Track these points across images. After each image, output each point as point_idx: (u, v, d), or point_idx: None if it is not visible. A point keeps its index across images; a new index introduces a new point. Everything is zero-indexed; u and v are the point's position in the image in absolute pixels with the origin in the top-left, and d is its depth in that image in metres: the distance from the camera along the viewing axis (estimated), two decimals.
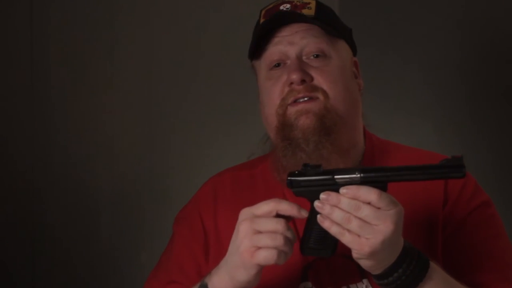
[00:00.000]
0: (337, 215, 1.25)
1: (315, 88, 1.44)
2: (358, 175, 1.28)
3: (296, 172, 1.32)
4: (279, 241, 1.28)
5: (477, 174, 1.54)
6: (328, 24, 1.48)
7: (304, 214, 1.30)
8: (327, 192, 1.27)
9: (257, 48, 1.49)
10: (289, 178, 1.32)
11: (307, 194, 1.31)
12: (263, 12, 1.52)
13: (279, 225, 1.28)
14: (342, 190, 1.26)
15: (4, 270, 2.29)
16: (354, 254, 1.27)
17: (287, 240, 1.29)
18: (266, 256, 1.28)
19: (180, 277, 1.52)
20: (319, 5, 1.50)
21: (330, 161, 1.43)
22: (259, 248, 1.28)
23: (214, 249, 1.52)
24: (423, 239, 1.46)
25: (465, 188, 1.49)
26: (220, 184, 1.57)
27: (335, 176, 1.29)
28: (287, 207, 1.29)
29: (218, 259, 1.47)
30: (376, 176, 1.29)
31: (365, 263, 1.28)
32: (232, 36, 2.28)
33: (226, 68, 2.36)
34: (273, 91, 1.46)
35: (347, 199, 1.26)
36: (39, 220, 2.33)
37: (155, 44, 2.40)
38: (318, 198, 1.28)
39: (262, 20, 1.50)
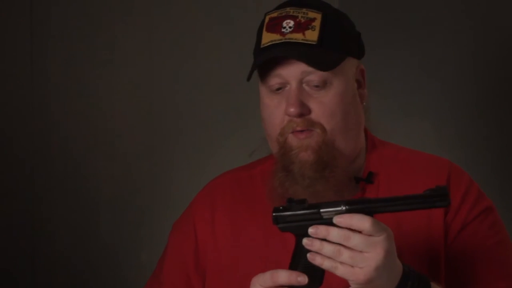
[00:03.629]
0: (327, 250, 1.27)
1: (313, 124, 1.45)
2: (343, 208, 1.29)
3: (281, 207, 1.33)
4: None
5: (477, 174, 1.55)
6: (333, 46, 1.47)
7: (303, 280, 1.31)
8: (315, 226, 1.29)
9: (258, 70, 1.50)
10: (274, 214, 1.33)
11: (293, 229, 1.32)
12: (267, 19, 1.50)
13: None
14: (336, 218, 1.28)
15: (4, 267, 2.30)
16: (352, 285, 1.28)
17: None
18: None
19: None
20: (324, 22, 1.47)
21: (324, 197, 1.44)
22: None
23: (212, 256, 1.54)
24: (425, 252, 1.47)
25: (467, 195, 1.50)
26: (218, 188, 1.59)
27: (321, 210, 1.30)
28: (285, 279, 1.31)
29: (217, 266, 1.53)
30: (361, 208, 1.30)
31: None
32: (237, 39, 2.29)
33: (230, 70, 2.35)
34: (274, 116, 1.48)
35: (337, 230, 1.27)
36: (39, 219, 2.35)
37: (156, 46, 2.40)
38: (304, 233, 1.30)
39: (264, 34, 1.48)
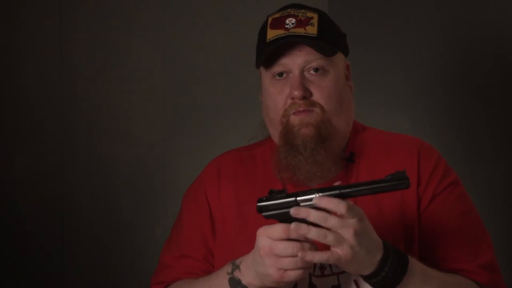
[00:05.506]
0: (313, 233, 1.32)
1: (314, 104, 1.53)
2: (317, 195, 1.35)
3: (264, 198, 1.37)
4: (301, 263, 1.33)
5: (448, 159, 1.64)
6: (329, 40, 1.55)
7: (312, 254, 1.33)
8: (296, 208, 1.33)
9: (264, 60, 1.56)
10: (258, 204, 1.37)
11: (276, 216, 1.37)
12: (269, 20, 1.58)
13: (296, 250, 1.33)
14: (315, 200, 1.32)
15: (36, 243, 2.35)
16: (337, 264, 1.35)
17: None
18: (295, 276, 1.35)
19: (189, 251, 1.61)
20: (320, 20, 1.56)
21: (323, 165, 1.53)
22: (286, 270, 1.34)
23: (219, 223, 1.61)
24: (400, 219, 1.55)
25: (437, 168, 1.57)
26: (224, 163, 1.65)
27: (298, 198, 1.35)
28: (296, 234, 1.33)
29: (223, 232, 1.59)
30: (333, 195, 1.35)
31: (349, 269, 1.37)
32: (241, 39, 2.30)
33: (232, 67, 2.45)
34: (278, 101, 1.55)
35: (316, 212, 1.31)
36: (68, 200, 2.39)
37: (168, 45, 2.47)
38: (285, 219, 1.34)
39: (269, 31, 1.55)
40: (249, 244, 1.50)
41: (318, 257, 1.32)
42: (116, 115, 2.44)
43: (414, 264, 1.41)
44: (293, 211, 1.33)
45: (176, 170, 2.45)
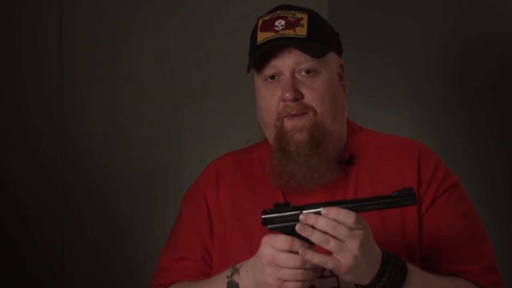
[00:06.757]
0: (317, 236, 1.32)
1: (306, 107, 1.52)
2: (323, 210, 1.34)
3: (269, 210, 1.37)
4: (301, 276, 1.34)
5: (448, 159, 1.65)
6: (319, 40, 1.55)
7: (312, 253, 1.33)
8: (305, 213, 1.33)
9: (255, 64, 1.56)
10: (262, 216, 1.37)
11: (280, 229, 1.36)
12: (260, 22, 1.58)
13: (298, 263, 1.33)
14: (323, 211, 1.32)
15: (36, 243, 2.35)
16: (336, 273, 1.36)
17: (308, 270, 1.35)
18: (294, 287, 1.36)
19: (188, 253, 1.62)
20: (310, 21, 1.55)
21: (318, 170, 1.52)
22: (285, 281, 1.35)
23: (217, 225, 1.61)
24: (401, 223, 1.55)
25: (437, 171, 1.57)
26: (222, 166, 1.65)
27: (304, 211, 1.34)
28: (299, 247, 1.34)
29: (221, 235, 1.60)
30: None
31: (347, 278, 1.36)
32: (237, 40, 2.18)
33: (231, 67, 2.45)
34: (270, 103, 1.54)
35: (324, 219, 1.32)
36: (68, 200, 2.39)
37: (169, 46, 2.48)
38: (290, 231, 1.35)
39: (259, 34, 1.55)
40: (247, 246, 1.54)
41: (318, 258, 1.33)
42: (116, 115, 2.45)
43: (413, 272, 1.42)
44: (301, 216, 1.32)
45: (176, 170, 2.46)
